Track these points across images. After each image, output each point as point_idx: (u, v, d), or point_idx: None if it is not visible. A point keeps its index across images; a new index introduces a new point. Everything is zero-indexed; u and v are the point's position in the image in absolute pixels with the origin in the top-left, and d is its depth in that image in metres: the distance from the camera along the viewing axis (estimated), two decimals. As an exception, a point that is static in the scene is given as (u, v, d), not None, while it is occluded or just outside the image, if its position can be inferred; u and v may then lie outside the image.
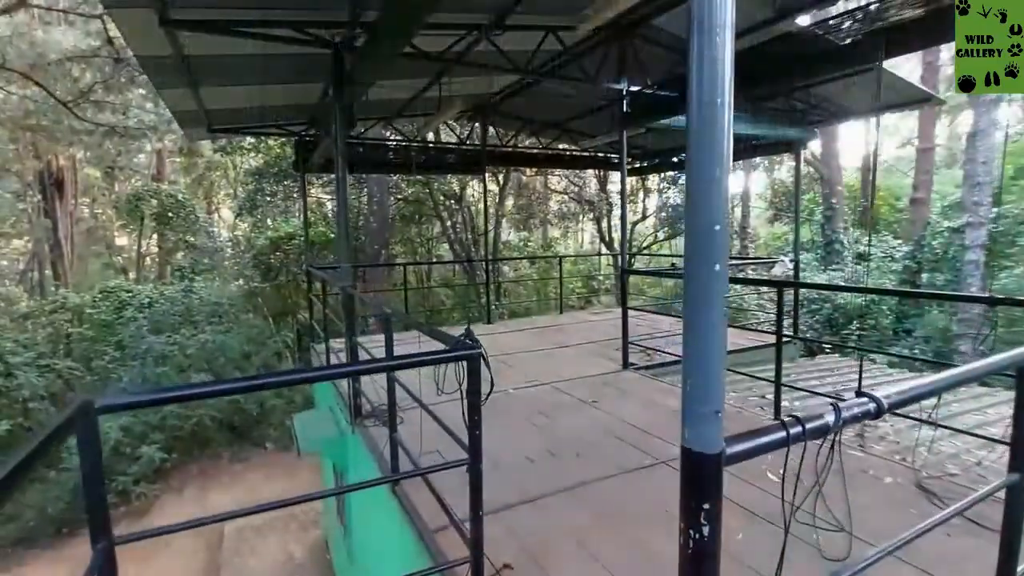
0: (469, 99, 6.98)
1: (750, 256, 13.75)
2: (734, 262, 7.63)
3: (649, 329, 6.83)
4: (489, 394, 1.83)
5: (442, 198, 14.81)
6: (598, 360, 5.71)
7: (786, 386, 4.55)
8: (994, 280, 8.97)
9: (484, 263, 8.84)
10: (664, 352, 5.70)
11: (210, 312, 13.53)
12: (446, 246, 16.48)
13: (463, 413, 1.88)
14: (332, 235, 13.69)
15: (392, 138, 8.72)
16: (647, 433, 3.57)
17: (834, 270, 13.70)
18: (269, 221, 16.24)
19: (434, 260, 16.49)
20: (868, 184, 20.27)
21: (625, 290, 5.30)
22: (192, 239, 16.80)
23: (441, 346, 2.00)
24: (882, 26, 4.40)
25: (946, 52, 15.01)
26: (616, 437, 3.51)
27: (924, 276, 11.98)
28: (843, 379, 5.72)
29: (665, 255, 18.10)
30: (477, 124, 8.72)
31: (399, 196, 14.87)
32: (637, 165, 9.74)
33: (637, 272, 6.19)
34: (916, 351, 9.80)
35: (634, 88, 5.13)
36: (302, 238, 11.50)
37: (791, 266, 6.52)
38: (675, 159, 8.75)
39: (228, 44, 4.22)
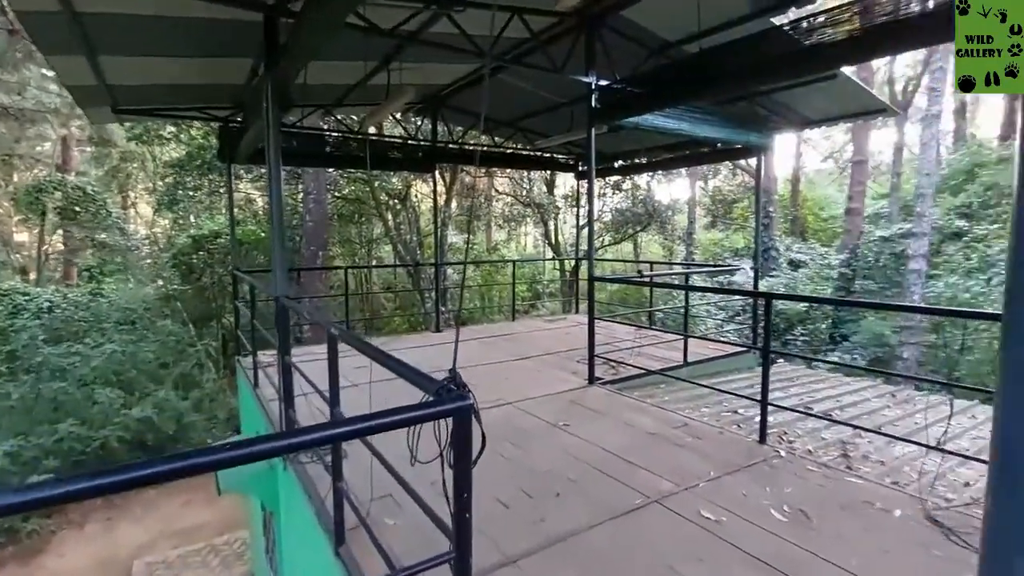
0: (420, 90, 6.42)
1: (695, 262, 13.94)
2: (703, 269, 7.48)
3: (607, 338, 6.52)
4: (480, 456, 1.35)
5: (385, 197, 14.04)
6: (561, 374, 5.31)
7: (749, 399, 4.32)
8: (925, 288, 9.39)
9: (434, 267, 8.26)
10: (628, 364, 5.38)
11: (121, 318, 12.10)
12: (388, 248, 15.68)
13: (444, 484, 1.39)
14: (264, 234, 12.62)
15: (332, 130, 7.98)
16: (630, 464, 3.17)
17: (772, 276, 14.10)
18: (192, 218, 14.84)
19: (377, 263, 15.66)
20: (797, 194, 21.30)
21: (592, 299, 4.93)
22: (103, 236, 15.06)
23: (408, 389, 1.49)
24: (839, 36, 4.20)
25: (879, 63, 15.92)
26: (597, 470, 3.09)
27: (857, 283, 12.51)
28: (805, 390, 5.61)
29: (611, 260, 18.13)
30: (426, 120, 8.17)
31: (338, 194, 13.96)
32: (584, 169, 9.49)
33: (605, 279, 5.86)
34: (854, 357, 10.13)
35: (603, 83, 4.79)
36: (229, 236, 10.46)
37: (751, 274, 6.42)
38: (635, 161, 8.52)
39: (131, 0, 3.49)
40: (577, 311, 9.76)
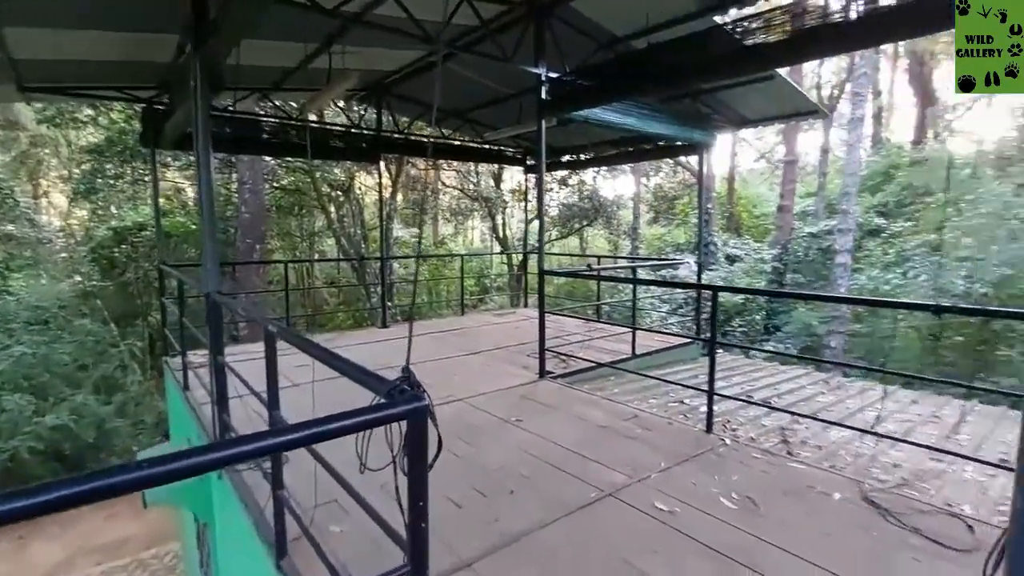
0: (364, 76, 6.18)
1: (641, 256, 14.27)
2: (648, 263, 7.62)
3: (556, 332, 6.54)
4: (436, 459, 1.26)
5: (327, 188, 13.51)
6: (511, 369, 5.27)
7: (694, 388, 4.44)
8: (850, 281, 10.01)
9: (380, 261, 8.01)
10: (578, 358, 5.40)
11: (32, 317, 11.03)
12: (331, 241, 15.13)
13: (396, 492, 1.29)
14: (194, 226, 11.84)
15: (269, 116, 7.55)
16: (583, 457, 3.16)
17: (711, 270, 14.66)
18: (113, 208, 13.72)
19: (319, 257, 15.09)
20: (733, 192, 22.24)
21: (543, 293, 4.90)
22: (10, 228, 13.68)
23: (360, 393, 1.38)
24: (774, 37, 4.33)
25: (809, 68, 16.79)
26: (551, 465, 3.06)
27: (789, 277, 13.21)
28: (745, 379, 5.83)
29: (557, 254, 18.29)
30: (370, 108, 7.89)
31: (277, 184, 13.31)
32: (533, 163, 9.48)
33: (555, 273, 5.86)
34: (787, 346, 10.70)
35: (552, 74, 4.75)
36: (155, 229, 9.75)
37: (695, 267, 6.61)
38: (582, 156, 8.58)
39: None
40: (526, 305, 9.77)
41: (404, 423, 1.15)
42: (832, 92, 18.20)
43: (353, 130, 7.58)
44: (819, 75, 18.99)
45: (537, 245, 4.93)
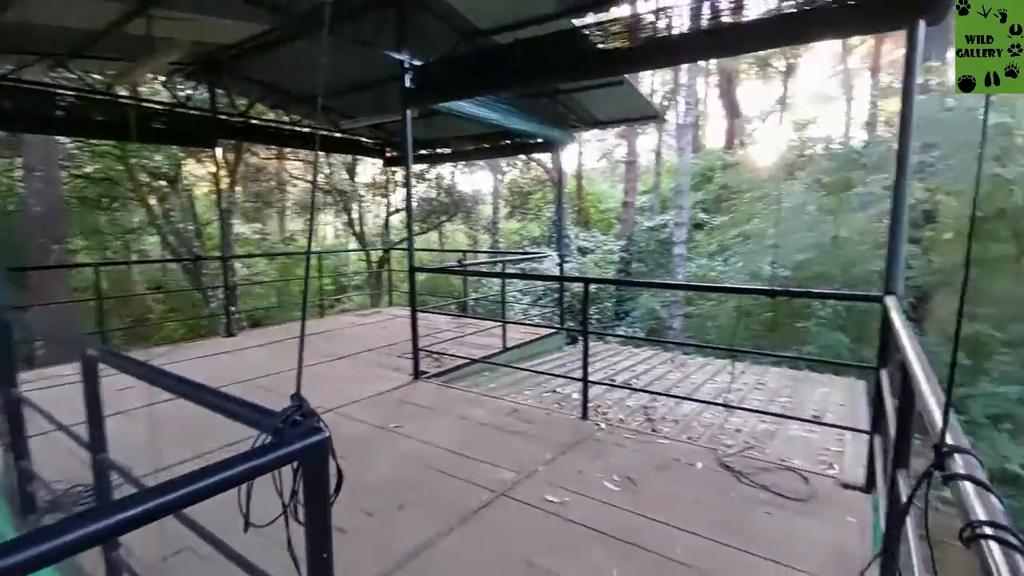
0: (194, 48, 5.36)
1: (506, 250, 14.61)
2: (512, 257, 7.74)
3: (426, 330, 6.37)
4: (337, 494, 1.08)
5: (148, 178, 11.62)
6: (384, 372, 5.00)
7: (570, 378, 4.65)
8: (685, 269, 11.32)
9: (221, 260, 7.07)
10: (452, 355, 5.32)
11: None
12: (155, 239, 13.07)
13: (288, 545, 1.09)
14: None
15: (66, 88, 6.18)
16: (471, 459, 3.09)
17: (566, 262, 15.53)
18: None
19: (140, 258, 12.94)
20: (581, 188, 23.82)
21: (414, 290, 4.71)
22: None
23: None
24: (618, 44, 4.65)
25: (644, 78, 18.48)
26: (439, 471, 2.93)
27: (634, 266, 14.53)
28: (606, 363, 6.25)
29: (418, 249, 17.94)
30: (200, 86, 6.91)
31: (78, 172, 11.10)
32: (393, 155, 9.12)
33: (425, 270, 5.66)
34: (635, 330, 11.77)
35: (416, 63, 4.56)
36: None
37: (558, 260, 6.90)
38: (440, 150, 8.42)
39: None
40: (391, 304, 9.40)
41: (300, 466, 0.96)
42: (662, 101, 20.32)
43: (180, 110, 6.56)
44: (652, 86, 21.07)
45: (400, 240, 4.73)
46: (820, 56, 22.69)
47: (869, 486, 2.80)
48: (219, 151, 6.69)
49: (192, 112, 6.64)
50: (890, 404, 2.35)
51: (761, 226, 10.68)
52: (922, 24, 2.46)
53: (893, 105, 13.47)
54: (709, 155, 19.27)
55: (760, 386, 5.45)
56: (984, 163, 6.42)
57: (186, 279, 12.41)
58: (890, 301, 2.56)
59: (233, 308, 11.45)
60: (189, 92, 6.99)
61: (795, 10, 2.84)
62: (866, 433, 2.88)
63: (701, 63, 11.67)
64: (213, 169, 14.69)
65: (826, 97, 21.07)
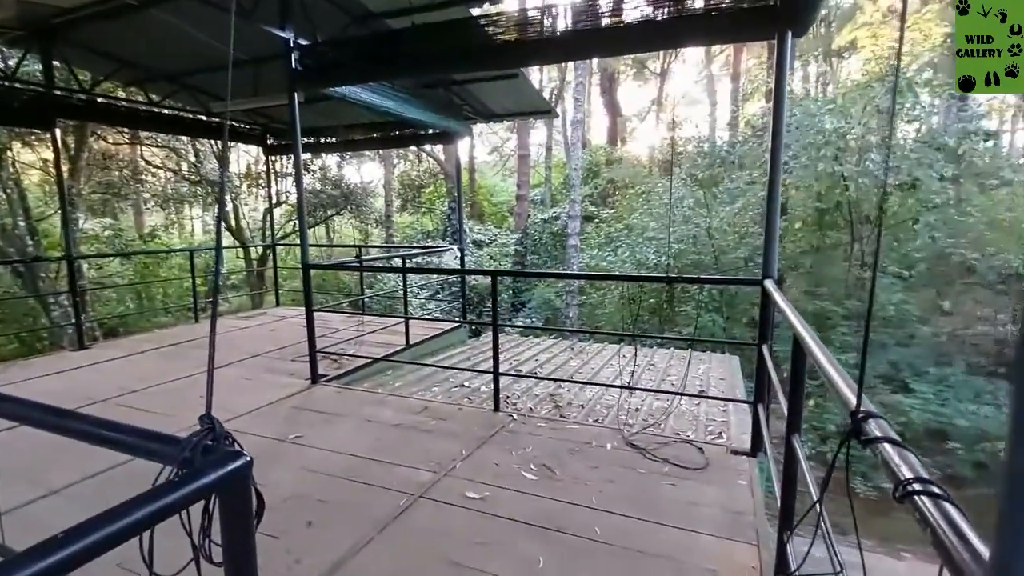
0: (22, 10, 4.50)
1: (405, 245, 14.17)
2: (411, 252, 7.53)
3: (321, 330, 5.99)
4: (259, 523, 0.95)
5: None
6: (276, 378, 4.62)
7: (481, 372, 4.65)
8: (579, 260, 11.81)
9: (66, 261, 6.05)
10: (351, 356, 5.06)
11: None
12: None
13: (209, 585, 0.94)
14: None
15: None
16: (383, 463, 2.95)
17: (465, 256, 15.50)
18: None
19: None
20: (474, 181, 23.88)
21: (309, 289, 4.37)
22: None
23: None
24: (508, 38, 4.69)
25: (532, 75, 18.80)
26: (350, 480, 2.75)
27: (529, 258, 14.87)
28: (511, 354, 6.33)
29: (311, 245, 16.84)
30: (32, 55, 5.84)
31: None
32: (275, 143, 8.42)
33: (320, 267, 5.27)
34: (533, 320, 12.07)
35: (304, 42, 4.21)
36: None
37: (459, 253, 6.83)
38: (328, 140, 7.92)
39: None
40: (278, 303, 8.72)
41: (216, 500, 0.83)
42: (550, 98, 20.94)
43: (4, 83, 5.50)
44: (541, 83, 21.59)
45: (283, 236, 4.38)
46: (689, 62, 24.83)
47: (755, 450, 3.11)
48: (58, 133, 5.69)
49: (16, 86, 5.59)
50: (775, 376, 2.62)
51: (644, 219, 11.44)
52: (789, 34, 2.74)
53: (751, 108, 15.09)
54: (595, 151, 20.23)
55: (652, 367, 5.84)
56: (824, 162, 7.44)
57: (16, 284, 10.51)
58: (769, 284, 2.85)
59: (84, 316, 9.94)
60: (15, 62, 5.86)
61: (678, 15, 3.03)
62: (749, 404, 3.18)
63: (585, 62, 12.16)
64: (48, 155, 12.61)
65: (693, 100, 23.12)
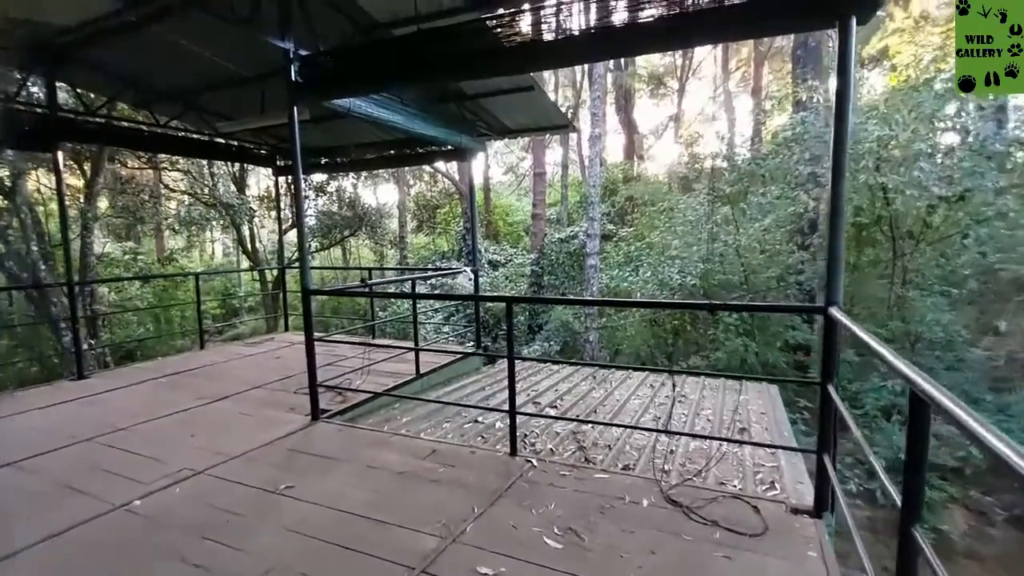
0: (23, 28, 4.34)
1: (416, 267, 13.89)
2: (424, 275, 7.19)
3: (327, 358, 5.62)
4: None
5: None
6: (275, 413, 4.25)
7: (496, 411, 4.22)
8: (599, 280, 11.36)
9: (67, 287, 5.83)
10: (357, 390, 4.67)
11: None
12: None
13: None
14: None
15: None
16: (381, 523, 2.53)
17: (480, 277, 15.15)
18: None
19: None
20: (489, 201, 23.70)
21: (309, 316, 4.03)
22: None
23: None
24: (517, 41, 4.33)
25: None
26: (339, 546, 2.34)
27: (546, 279, 14.45)
28: (528, 383, 5.90)
29: (318, 267, 16.71)
30: (35, 76, 5.73)
31: None
32: (284, 163, 8.21)
33: (322, 292, 4.94)
34: (551, 344, 11.60)
35: (304, 52, 3.95)
36: None
37: (472, 276, 6.47)
38: (340, 159, 7.68)
39: None
40: (287, 328, 8.44)
41: None
42: (567, 115, 20.75)
43: (5, 104, 5.35)
44: (556, 101, 21.44)
45: (298, 259, 4.06)
46: (705, 79, 24.51)
47: (818, 509, 2.62)
48: (61, 156, 5.52)
49: (22, 108, 5.45)
50: (851, 420, 2.16)
51: (666, 237, 10.98)
52: (853, 20, 2.34)
53: (774, 122, 14.65)
54: (612, 168, 19.87)
55: (683, 398, 5.34)
56: (866, 173, 6.94)
57: (30, 310, 10.42)
58: (835, 312, 2.41)
59: (92, 342, 9.78)
60: (17, 85, 5.73)
61: (715, 5, 2.65)
62: (813, 453, 2.70)
63: (600, 79, 11.88)
64: (72, 181, 12.68)
65: (708, 117, 22.73)
